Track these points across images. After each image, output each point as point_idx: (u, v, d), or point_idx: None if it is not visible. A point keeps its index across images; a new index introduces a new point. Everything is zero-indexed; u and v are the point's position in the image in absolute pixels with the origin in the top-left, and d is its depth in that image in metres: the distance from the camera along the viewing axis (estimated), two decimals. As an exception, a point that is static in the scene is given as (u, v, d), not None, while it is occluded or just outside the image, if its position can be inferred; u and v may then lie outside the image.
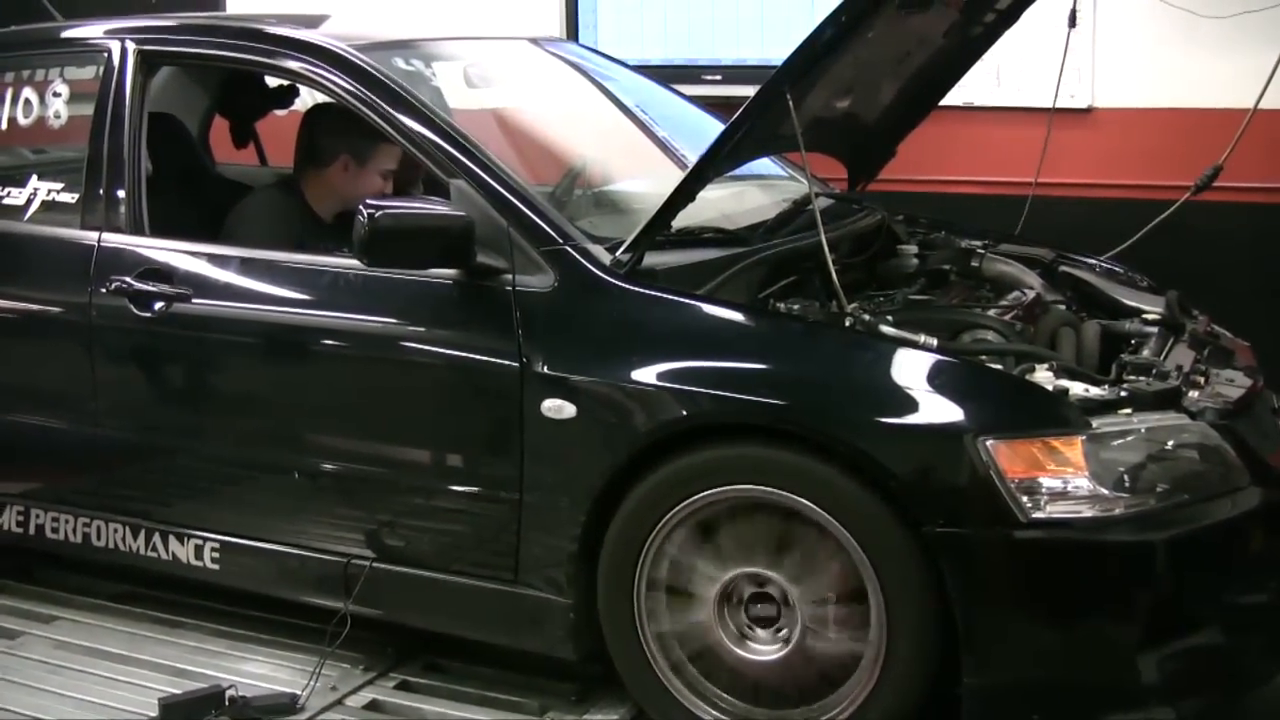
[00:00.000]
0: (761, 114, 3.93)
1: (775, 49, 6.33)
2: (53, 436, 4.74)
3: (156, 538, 4.56)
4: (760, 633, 3.82)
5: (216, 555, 4.48)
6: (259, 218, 4.72)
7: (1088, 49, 6.16)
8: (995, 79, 6.37)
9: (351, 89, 4.31)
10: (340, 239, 4.37)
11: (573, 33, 7.20)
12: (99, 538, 4.66)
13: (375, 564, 4.22)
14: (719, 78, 6.86)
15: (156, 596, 4.82)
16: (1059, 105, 5.38)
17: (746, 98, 3.90)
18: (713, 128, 4.94)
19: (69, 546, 4.74)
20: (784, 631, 3.79)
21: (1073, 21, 5.26)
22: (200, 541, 4.49)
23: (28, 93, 4.96)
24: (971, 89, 6.17)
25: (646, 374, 3.80)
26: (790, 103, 3.89)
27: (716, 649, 3.85)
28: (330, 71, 4.37)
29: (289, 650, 4.47)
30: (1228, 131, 4.97)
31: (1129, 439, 3.63)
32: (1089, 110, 6.30)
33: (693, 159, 4.22)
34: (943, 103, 5.15)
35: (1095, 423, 3.60)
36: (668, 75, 5.87)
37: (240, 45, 4.68)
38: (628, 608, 3.89)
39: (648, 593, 3.87)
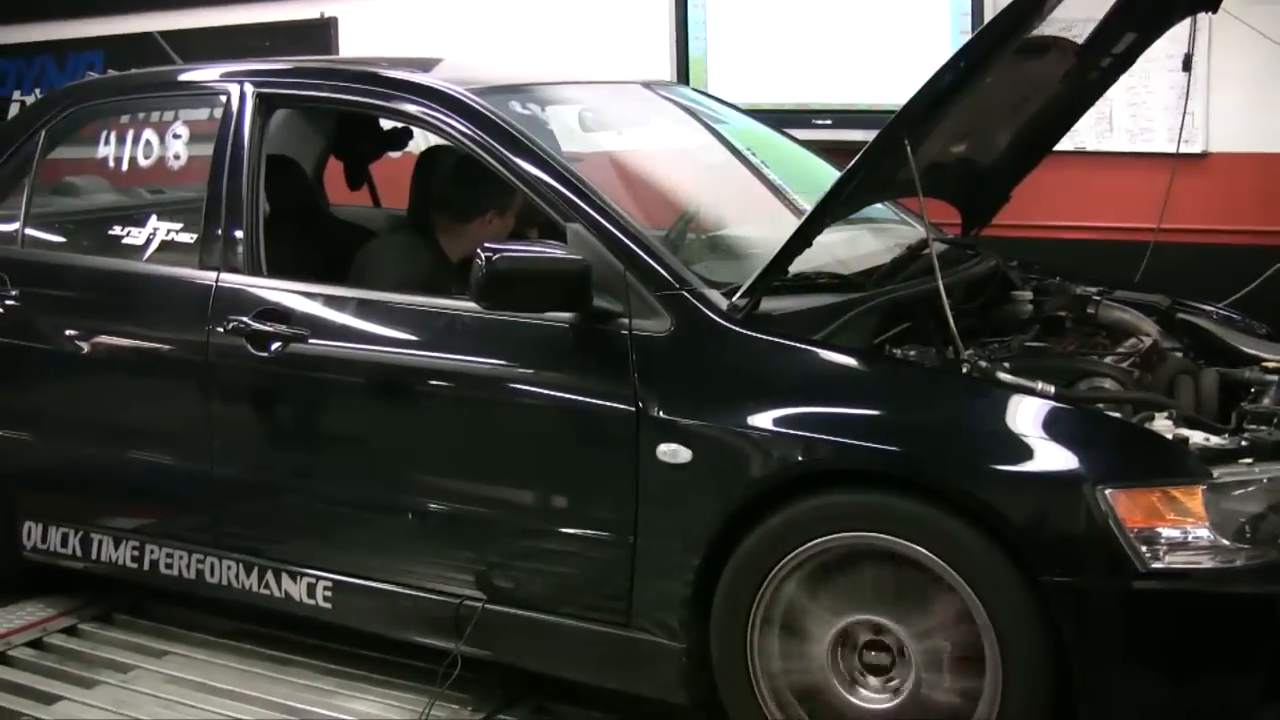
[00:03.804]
0: (879, 159, 3.92)
1: (885, 93, 6.32)
2: (169, 473, 4.77)
3: (269, 575, 4.59)
4: (874, 681, 3.78)
5: (329, 594, 4.50)
6: (394, 260, 4.75)
7: (1202, 93, 6.12)
8: (1107, 124, 6.34)
9: (469, 132, 4.34)
10: (464, 281, 4.40)
11: (684, 76, 7.23)
12: (212, 574, 4.70)
13: (487, 605, 4.22)
14: (829, 122, 6.86)
15: (267, 634, 4.86)
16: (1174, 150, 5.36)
17: (856, 142, 3.91)
18: (823, 172, 4.94)
19: (182, 582, 4.78)
20: (898, 680, 3.75)
21: (1187, 66, 5.21)
22: (313, 580, 4.51)
23: (148, 134, 5.05)
24: (1084, 134, 6.16)
25: (763, 419, 3.79)
26: (908, 148, 3.88)
27: (830, 697, 3.82)
28: (447, 115, 4.41)
29: (398, 690, 4.49)
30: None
31: (1250, 489, 3.58)
32: (1204, 155, 6.26)
33: (805, 203, 4.21)
34: (1055, 147, 5.12)
35: (1216, 472, 3.56)
36: (778, 119, 5.87)
37: (357, 88, 4.72)
38: (741, 653, 3.86)
39: (761, 639, 3.85)
